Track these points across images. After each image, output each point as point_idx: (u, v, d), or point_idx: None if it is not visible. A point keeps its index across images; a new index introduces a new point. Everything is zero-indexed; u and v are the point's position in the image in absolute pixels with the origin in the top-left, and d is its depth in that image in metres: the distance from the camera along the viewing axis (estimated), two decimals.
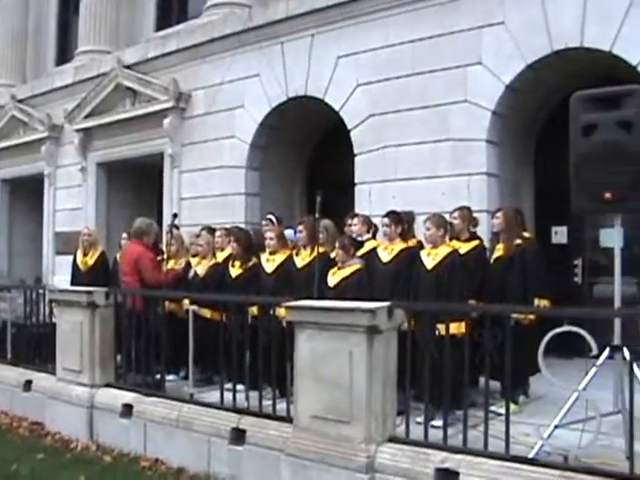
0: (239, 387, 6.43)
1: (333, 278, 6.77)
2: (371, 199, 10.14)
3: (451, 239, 6.90)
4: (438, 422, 5.48)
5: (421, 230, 6.93)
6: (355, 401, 5.11)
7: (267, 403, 6.12)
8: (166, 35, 13.90)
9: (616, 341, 4.96)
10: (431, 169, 9.58)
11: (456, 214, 7.18)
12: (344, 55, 10.65)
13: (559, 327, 4.73)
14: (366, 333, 5.06)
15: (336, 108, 10.74)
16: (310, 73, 11.04)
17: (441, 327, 5.43)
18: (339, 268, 6.79)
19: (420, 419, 5.50)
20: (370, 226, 7.64)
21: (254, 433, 5.94)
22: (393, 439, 5.22)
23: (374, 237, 7.58)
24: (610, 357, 4.89)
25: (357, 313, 5.11)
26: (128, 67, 13.78)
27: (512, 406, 5.42)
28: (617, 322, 4.99)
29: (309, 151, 12.85)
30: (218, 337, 6.56)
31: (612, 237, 5.42)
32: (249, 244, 8.04)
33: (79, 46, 15.75)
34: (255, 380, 6.25)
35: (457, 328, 5.49)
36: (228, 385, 6.49)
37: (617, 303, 5.06)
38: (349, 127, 10.57)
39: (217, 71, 12.30)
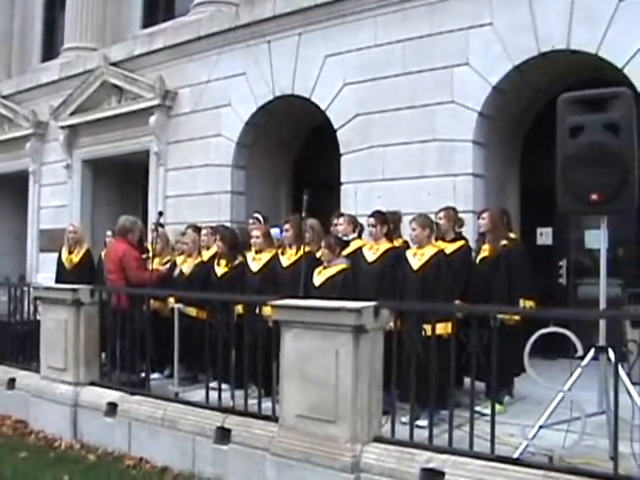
0: (224, 386, 6.40)
1: (319, 277, 6.77)
2: (357, 199, 10.15)
3: (437, 239, 6.92)
4: (423, 422, 5.49)
5: (407, 230, 6.94)
6: (341, 401, 5.10)
7: (252, 402, 6.09)
8: (153, 32, 13.83)
9: (601, 342, 4.98)
10: (417, 169, 9.59)
11: (442, 214, 7.21)
12: (331, 54, 10.64)
13: (544, 328, 4.74)
14: (352, 333, 5.05)
15: (322, 107, 10.73)
16: (297, 72, 11.02)
17: (427, 327, 5.43)
18: (325, 267, 6.79)
19: (405, 419, 5.51)
20: (356, 226, 7.66)
21: (239, 432, 5.92)
22: (378, 439, 5.21)
23: (360, 237, 7.60)
24: (595, 358, 4.90)
25: (343, 313, 5.10)
26: (114, 64, 13.72)
27: (497, 406, 5.42)
28: (602, 323, 5.01)
29: (295, 150, 12.84)
30: (203, 336, 6.54)
31: (598, 238, 5.45)
32: (235, 243, 8.02)
33: (65, 43, 15.63)
34: (240, 379, 6.23)
35: (443, 328, 5.48)
36: (213, 384, 6.46)
37: (602, 304, 5.08)
38: (335, 127, 10.57)
39: (203, 69, 12.26)
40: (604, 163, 4.93)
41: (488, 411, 5.08)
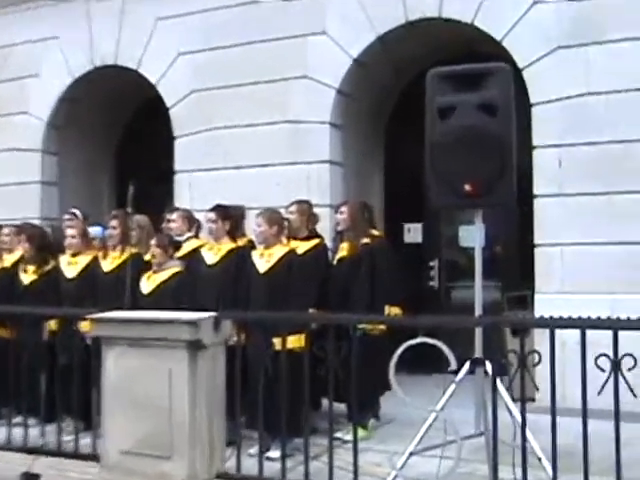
0: (32, 421, 6.19)
1: (148, 284, 6.72)
2: (193, 191, 10.06)
3: (288, 238, 6.98)
4: (275, 453, 5.49)
5: (252, 227, 6.96)
6: (176, 431, 5.03)
7: (68, 439, 5.93)
8: None
9: (477, 353, 5.08)
10: (264, 156, 9.59)
11: (293, 209, 7.27)
12: (163, 18, 10.46)
13: (413, 338, 4.80)
14: (188, 349, 5.00)
15: (152, 81, 10.55)
16: (121, 38, 10.78)
17: (277, 341, 5.43)
18: (155, 272, 6.75)
19: (254, 450, 5.48)
20: (192, 222, 7.67)
21: (51, 477, 5.73)
22: (222, 475, 5.17)
23: (197, 236, 7.61)
24: (471, 372, 5.02)
25: (177, 325, 5.05)
26: None
27: (360, 431, 5.48)
28: (478, 332, 5.12)
29: (120, 132, 12.58)
30: (6, 359, 6.27)
31: (472, 235, 5.59)
32: (44, 244, 7.83)
33: None
34: (52, 411, 6.06)
35: (296, 341, 5.51)
36: (18, 419, 6.23)
37: (478, 310, 5.19)
38: (168, 104, 10.41)
39: (6, 31, 11.77)
40: (479, 149, 5.03)
41: (350, 437, 5.12)
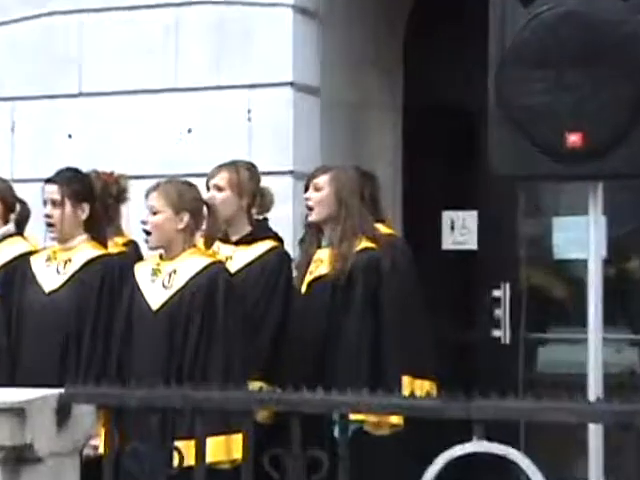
0: None
1: None
2: (17, 139, 10.02)
3: (207, 238, 6.95)
4: None
5: (138, 214, 6.94)
6: None
7: None
8: None
9: (593, 476, 4.96)
10: (163, 72, 9.59)
11: (220, 180, 7.28)
12: None
13: (460, 443, 4.66)
14: (2, 465, 4.78)
15: None
16: None
17: (184, 446, 5.24)
18: None
19: None
20: (11, 206, 7.65)
21: None
22: None
23: (21, 232, 7.68)
24: None
25: None
26: None
27: None
28: (595, 432, 5.00)
29: None
30: None
31: (580, 238, 5.45)
32: None
33: None
34: None
35: (222, 449, 5.58)
36: None
37: (594, 388, 5.06)
38: None
39: None
40: (597, 64, 5.03)
41: None
